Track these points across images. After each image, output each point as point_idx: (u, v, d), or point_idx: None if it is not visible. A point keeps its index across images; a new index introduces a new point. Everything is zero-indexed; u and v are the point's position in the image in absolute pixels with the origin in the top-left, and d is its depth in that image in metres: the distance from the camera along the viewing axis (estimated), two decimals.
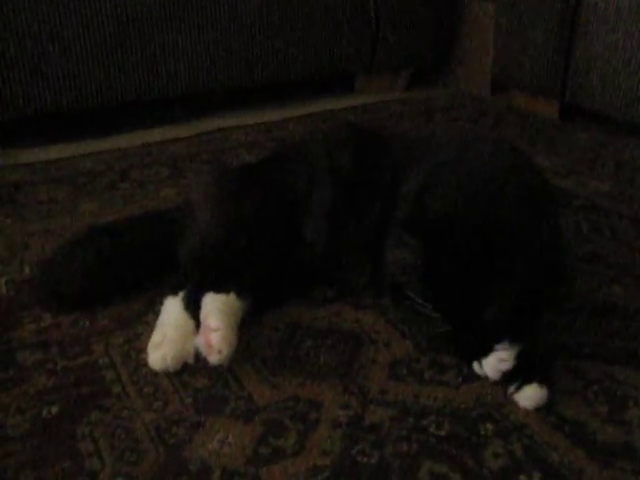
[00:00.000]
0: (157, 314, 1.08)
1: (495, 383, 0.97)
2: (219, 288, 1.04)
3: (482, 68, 2.52)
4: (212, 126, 2.09)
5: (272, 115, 2.19)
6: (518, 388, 0.94)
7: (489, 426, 0.90)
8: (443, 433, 0.89)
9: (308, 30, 2.25)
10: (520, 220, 0.97)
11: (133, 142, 1.97)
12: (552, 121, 2.20)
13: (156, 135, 2.03)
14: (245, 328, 1.06)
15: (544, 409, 0.93)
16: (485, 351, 0.96)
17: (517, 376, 0.95)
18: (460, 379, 0.99)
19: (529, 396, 0.93)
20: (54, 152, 1.91)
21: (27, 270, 1.29)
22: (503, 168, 1.08)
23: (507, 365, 0.94)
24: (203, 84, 2.15)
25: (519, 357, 0.95)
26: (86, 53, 1.96)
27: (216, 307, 1.00)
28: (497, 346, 0.95)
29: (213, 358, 0.96)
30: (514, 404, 0.94)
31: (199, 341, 0.98)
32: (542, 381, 0.94)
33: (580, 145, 1.98)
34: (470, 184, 1.01)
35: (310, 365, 1.01)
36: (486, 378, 0.97)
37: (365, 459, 0.84)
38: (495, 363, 0.95)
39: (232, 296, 1.04)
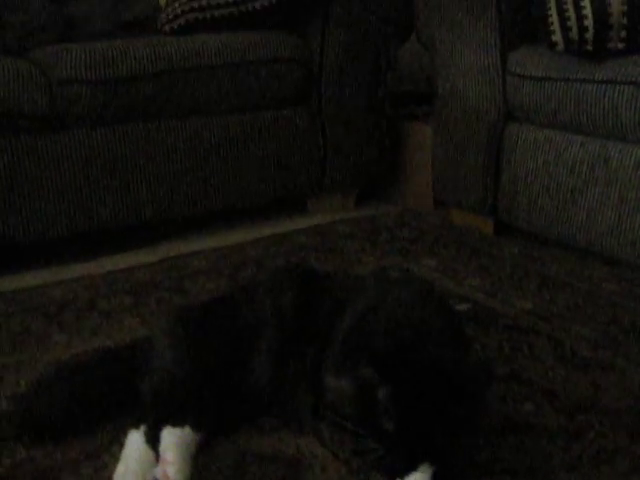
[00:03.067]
0: (122, 445, 1.21)
1: None
2: (175, 422, 1.19)
3: (424, 185, 2.74)
4: (173, 251, 2.26)
5: (229, 239, 2.37)
6: None
7: None
8: None
9: (262, 159, 2.47)
10: (445, 352, 1.15)
11: (99, 269, 2.13)
12: (487, 237, 2.41)
13: (120, 261, 2.20)
14: (199, 456, 1.21)
15: None
16: (408, 470, 1.12)
17: None
18: None
19: None
20: (24, 281, 2.06)
21: (3, 404, 1.42)
22: (423, 307, 1.29)
23: None
24: (164, 212, 2.34)
25: (435, 477, 1.11)
26: (54, 187, 2.15)
27: (173, 442, 1.15)
28: (419, 466, 1.12)
29: None
30: None
31: (158, 472, 1.13)
32: None
33: (510, 261, 2.17)
34: (398, 323, 1.21)
35: None
36: None
37: None
38: None
39: (187, 429, 1.19)
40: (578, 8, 1.97)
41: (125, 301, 1.92)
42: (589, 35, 1.97)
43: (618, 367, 1.53)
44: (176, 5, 2.44)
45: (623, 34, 1.95)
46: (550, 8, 2.04)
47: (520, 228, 2.34)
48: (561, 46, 2.06)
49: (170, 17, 2.45)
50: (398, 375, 1.09)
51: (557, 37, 2.06)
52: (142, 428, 1.21)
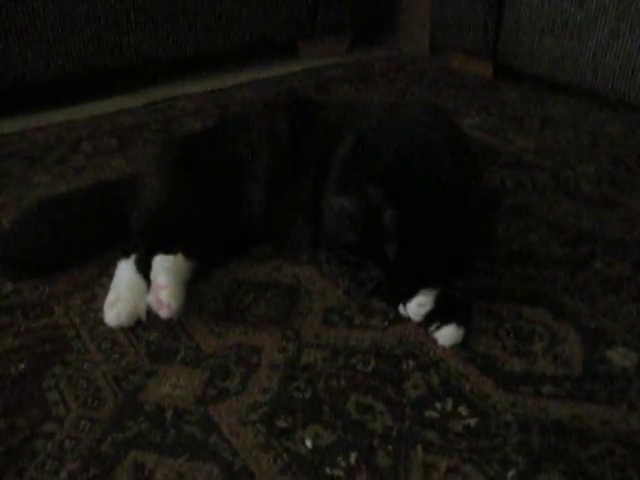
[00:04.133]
0: (111, 277, 1.16)
1: (418, 324, 1.09)
2: (167, 250, 1.14)
3: (421, 29, 2.61)
4: (159, 96, 2.15)
5: (218, 83, 2.26)
6: (438, 328, 1.06)
7: (410, 362, 1.02)
8: (369, 370, 1.01)
9: None
10: (455, 176, 1.08)
11: (83, 114, 2.03)
12: (486, 81, 2.30)
13: (105, 106, 2.09)
14: (193, 285, 1.17)
15: (460, 346, 1.05)
16: (409, 295, 1.07)
17: (437, 317, 1.06)
18: (386, 323, 1.11)
19: (447, 335, 1.05)
20: (5, 127, 1.96)
21: None
22: (432, 128, 1.20)
23: (427, 308, 1.06)
24: (148, 54, 2.20)
25: (438, 300, 1.06)
26: (30, 28, 2.00)
27: (165, 267, 1.11)
28: (420, 290, 1.07)
29: (163, 313, 1.06)
30: (434, 342, 1.06)
31: (150, 298, 1.08)
32: (459, 321, 1.06)
33: (510, 104, 2.08)
34: (406, 144, 1.12)
35: (252, 316, 1.13)
36: (410, 320, 1.09)
37: (300, 394, 0.96)
38: (416, 306, 1.07)
39: (180, 256, 1.14)
40: None
41: (111, 143, 1.84)
42: None
43: (622, 203, 1.49)
44: None
45: None
46: None
47: (521, 71, 2.23)
48: None
49: None
50: (406, 199, 1.03)
51: None
52: (133, 257, 1.16)
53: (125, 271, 1.15)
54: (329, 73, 2.36)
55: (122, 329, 1.10)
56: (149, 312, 1.10)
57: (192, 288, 1.16)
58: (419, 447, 0.88)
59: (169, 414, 0.93)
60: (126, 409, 0.94)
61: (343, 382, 0.98)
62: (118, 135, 1.88)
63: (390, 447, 0.88)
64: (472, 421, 0.92)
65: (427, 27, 2.51)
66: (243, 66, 2.43)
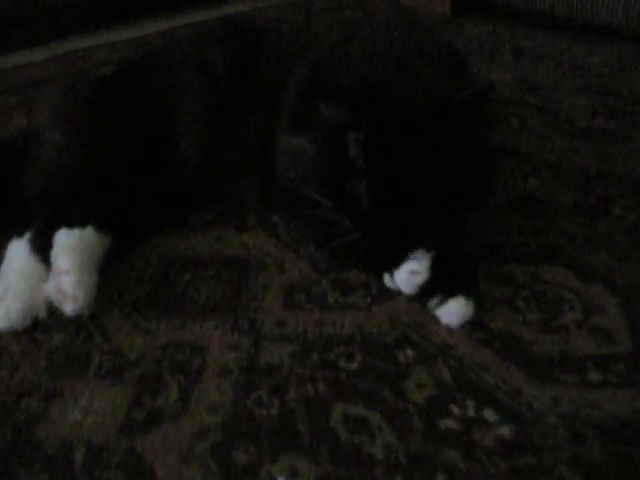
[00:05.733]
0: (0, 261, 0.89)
1: (412, 299, 0.83)
2: (73, 222, 0.86)
3: None
4: (73, 47, 1.85)
5: (141, 30, 1.97)
6: (440, 303, 0.80)
7: (409, 352, 0.77)
8: (355, 367, 0.75)
9: None
10: (439, 87, 0.82)
11: None
12: (445, 18, 2.10)
13: (5, 61, 1.78)
14: (110, 267, 0.89)
15: (470, 325, 0.80)
16: (396, 261, 0.82)
17: (437, 289, 0.80)
18: (369, 299, 0.85)
19: (453, 311, 0.79)
20: None
21: None
22: (407, 36, 0.95)
23: (422, 277, 0.80)
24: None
25: (436, 266, 0.80)
26: None
27: (69, 245, 0.83)
28: (410, 255, 0.81)
29: (68, 307, 0.80)
30: (436, 322, 0.80)
31: (50, 288, 0.81)
32: (467, 293, 0.80)
33: (476, 38, 1.87)
34: (373, 53, 0.88)
35: (190, 303, 0.86)
36: (400, 294, 0.83)
37: (264, 410, 0.69)
38: (407, 275, 0.81)
39: (89, 230, 0.87)
40: None
41: (10, 101, 1.54)
42: None
43: (625, 136, 1.27)
44: None
45: None
46: None
47: (484, 3, 1.99)
48: None
49: None
50: (375, 117, 0.77)
51: None
52: (28, 234, 0.88)
53: (17, 254, 0.87)
54: (266, 16, 2.10)
55: (14, 333, 0.81)
56: (51, 307, 0.82)
57: (108, 271, 0.89)
58: (440, 476, 0.62)
59: (79, 454, 0.66)
60: (16, 451, 0.66)
61: (322, 387, 0.72)
62: (21, 91, 1.58)
63: (399, 478, 0.62)
64: (505, 430, 0.67)
65: None
66: (166, 14, 2.12)
